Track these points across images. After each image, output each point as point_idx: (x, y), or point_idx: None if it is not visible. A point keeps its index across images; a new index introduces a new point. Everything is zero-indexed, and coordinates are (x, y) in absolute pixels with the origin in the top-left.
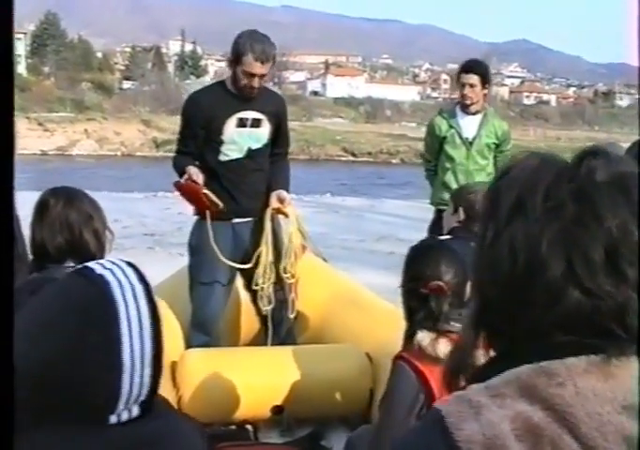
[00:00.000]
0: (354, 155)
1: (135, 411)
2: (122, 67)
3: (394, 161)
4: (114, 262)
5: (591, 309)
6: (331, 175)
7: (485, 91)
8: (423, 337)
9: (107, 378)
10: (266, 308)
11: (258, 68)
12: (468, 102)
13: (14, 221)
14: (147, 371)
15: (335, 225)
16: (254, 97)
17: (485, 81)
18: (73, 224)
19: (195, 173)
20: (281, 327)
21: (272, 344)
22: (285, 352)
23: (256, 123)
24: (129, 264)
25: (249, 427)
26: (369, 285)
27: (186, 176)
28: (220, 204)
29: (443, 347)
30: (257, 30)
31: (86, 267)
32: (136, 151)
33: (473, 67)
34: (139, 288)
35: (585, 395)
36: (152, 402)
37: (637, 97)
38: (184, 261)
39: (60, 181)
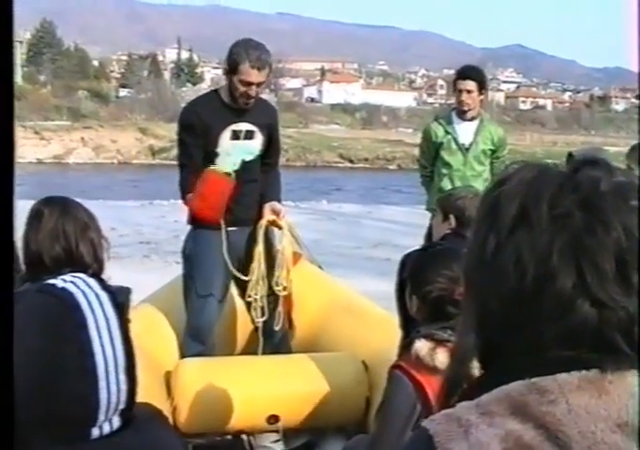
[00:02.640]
0: (351, 161)
1: (116, 422)
2: (118, 75)
3: (391, 167)
4: (74, 276)
5: (599, 322)
6: (328, 182)
7: (481, 97)
8: (421, 346)
9: (84, 387)
10: (259, 320)
11: (255, 76)
12: (465, 108)
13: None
14: (122, 377)
15: (331, 232)
16: (248, 108)
17: (482, 86)
18: (70, 234)
19: None
20: (274, 337)
21: (266, 353)
22: (281, 360)
23: (249, 135)
24: (92, 275)
25: (244, 436)
26: (365, 292)
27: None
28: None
29: (441, 357)
30: (252, 38)
31: (47, 284)
32: (132, 159)
33: (469, 73)
34: (104, 296)
35: (577, 412)
36: (132, 412)
37: (633, 101)
38: (180, 269)
39: (56, 189)
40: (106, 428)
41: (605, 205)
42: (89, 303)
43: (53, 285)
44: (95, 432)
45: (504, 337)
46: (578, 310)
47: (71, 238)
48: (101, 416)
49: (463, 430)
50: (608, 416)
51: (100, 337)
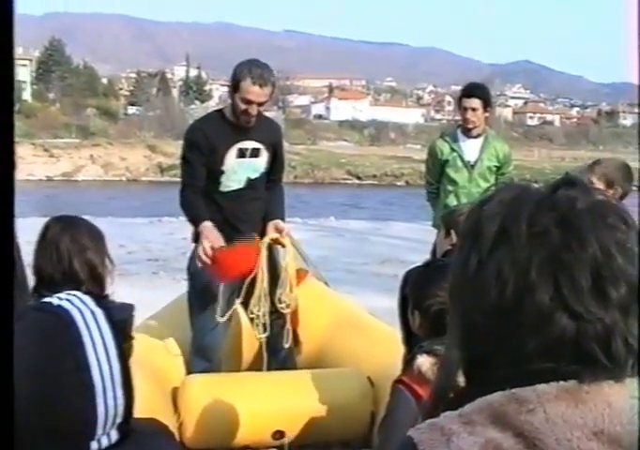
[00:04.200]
0: (359, 178)
1: (114, 435)
2: (127, 93)
3: (399, 184)
4: (70, 293)
5: (577, 334)
6: (336, 199)
7: (487, 114)
8: (423, 361)
9: (82, 402)
10: (261, 337)
11: (255, 94)
12: (470, 126)
13: (14, 248)
14: (119, 392)
15: (339, 248)
16: (252, 126)
17: (486, 104)
18: (63, 251)
19: (215, 238)
20: (279, 354)
21: (272, 370)
22: (287, 376)
23: (255, 152)
24: (86, 293)
25: None
26: (372, 308)
27: (207, 245)
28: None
29: None
30: (257, 58)
31: (43, 302)
32: (141, 176)
33: (474, 91)
34: (99, 312)
35: (554, 421)
36: (129, 426)
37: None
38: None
39: (65, 207)
40: (104, 442)
41: (581, 223)
42: (84, 319)
43: (49, 303)
44: (93, 446)
45: (487, 350)
46: (556, 323)
47: (64, 256)
48: (99, 430)
49: (445, 439)
50: (584, 424)
51: (96, 352)
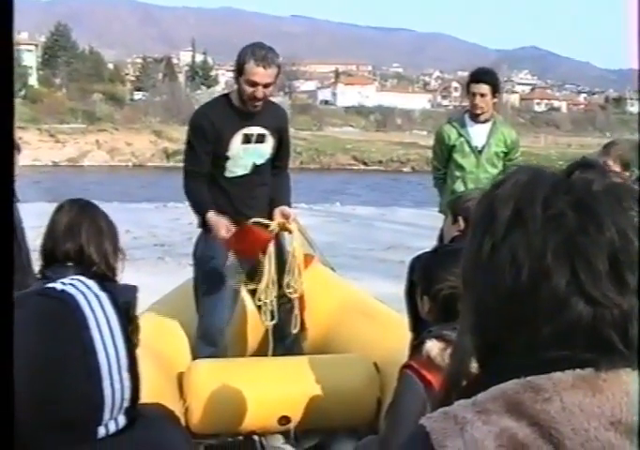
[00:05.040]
0: (365, 163)
1: (122, 420)
2: (133, 78)
3: (405, 170)
4: (73, 278)
5: (593, 319)
6: (342, 184)
7: (495, 100)
8: (432, 346)
9: (88, 386)
10: (269, 323)
11: (260, 75)
12: (479, 112)
13: (18, 233)
14: (126, 375)
15: (345, 234)
16: (258, 111)
17: (495, 90)
18: (82, 231)
19: (225, 228)
20: (285, 339)
21: (278, 355)
22: (293, 362)
23: (260, 138)
24: (90, 277)
25: (255, 437)
26: (378, 294)
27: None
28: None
29: None
30: (262, 42)
31: (47, 287)
32: (147, 161)
33: (483, 76)
34: (103, 296)
35: (571, 410)
36: (136, 410)
37: None
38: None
39: (71, 192)
40: (112, 427)
41: (598, 206)
42: (89, 303)
43: (53, 288)
44: (101, 431)
45: (501, 337)
46: (573, 308)
47: (82, 235)
48: (107, 415)
49: (458, 428)
50: (602, 414)
51: (102, 336)
